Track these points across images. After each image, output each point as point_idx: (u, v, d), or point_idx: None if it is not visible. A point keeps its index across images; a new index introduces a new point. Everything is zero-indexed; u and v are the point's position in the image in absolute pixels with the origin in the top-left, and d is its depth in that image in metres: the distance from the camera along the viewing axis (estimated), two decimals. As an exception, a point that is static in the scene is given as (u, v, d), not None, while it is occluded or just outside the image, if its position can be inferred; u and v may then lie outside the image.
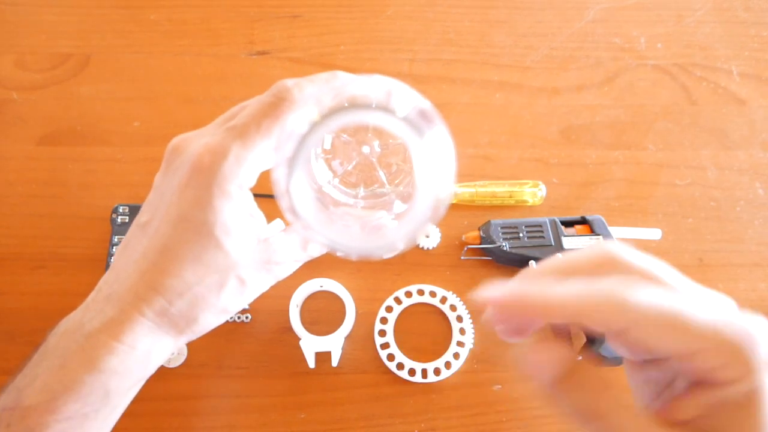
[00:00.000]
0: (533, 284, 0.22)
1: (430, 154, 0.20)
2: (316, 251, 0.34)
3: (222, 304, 0.31)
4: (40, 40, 0.55)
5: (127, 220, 0.47)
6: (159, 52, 0.55)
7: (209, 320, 0.31)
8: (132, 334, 0.28)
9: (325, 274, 0.46)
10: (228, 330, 0.45)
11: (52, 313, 0.45)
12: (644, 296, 0.19)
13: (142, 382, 0.31)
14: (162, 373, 0.44)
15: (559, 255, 0.23)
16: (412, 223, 0.21)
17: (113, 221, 0.47)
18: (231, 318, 0.45)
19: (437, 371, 0.44)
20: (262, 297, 0.46)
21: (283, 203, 0.22)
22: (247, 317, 0.45)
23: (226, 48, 0.55)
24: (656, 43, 0.57)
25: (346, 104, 0.21)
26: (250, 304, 0.46)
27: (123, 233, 0.47)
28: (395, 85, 0.22)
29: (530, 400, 0.43)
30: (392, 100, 0.21)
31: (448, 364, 0.44)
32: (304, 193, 0.20)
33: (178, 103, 0.53)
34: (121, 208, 0.48)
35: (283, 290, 0.46)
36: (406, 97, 0.22)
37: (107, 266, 0.46)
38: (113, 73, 0.54)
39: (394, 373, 0.44)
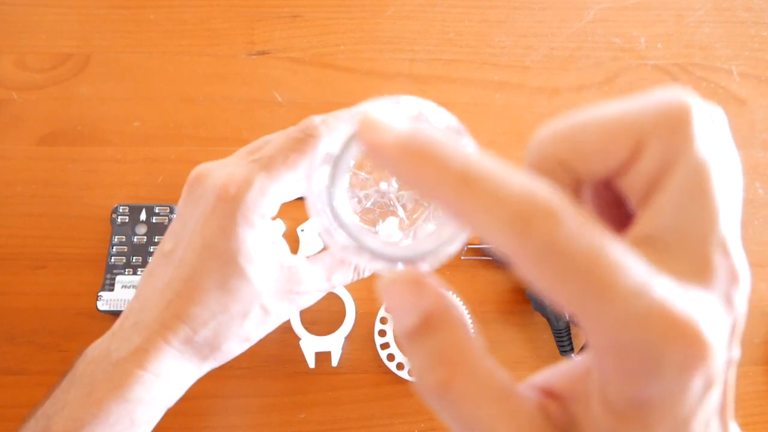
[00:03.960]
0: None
1: None
2: (340, 280, 0.34)
3: (245, 332, 0.31)
4: (40, 40, 0.55)
5: (127, 220, 0.47)
6: (159, 52, 0.55)
7: (232, 348, 0.32)
8: (157, 363, 0.29)
9: (325, 274, 0.46)
10: (228, 330, 0.45)
11: (52, 313, 0.46)
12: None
13: (165, 410, 0.32)
14: (162, 373, 0.44)
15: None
16: (455, 228, 0.21)
17: (113, 221, 0.47)
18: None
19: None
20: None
21: (322, 219, 0.22)
22: (247, 317, 0.45)
23: (226, 48, 0.55)
24: (656, 43, 0.57)
25: None
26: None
27: (123, 233, 0.47)
28: (426, 105, 0.23)
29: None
30: (425, 120, 0.22)
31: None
32: (346, 206, 0.20)
33: (178, 103, 0.53)
34: (121, 208, 0.48)
35: (283, 290, 0.46)
36: (438, 116, 0.23)
37: (107, 266, 0.46)
38: (113, 73, 0.54)
39: (394, 373, 0.44)
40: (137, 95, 0.53)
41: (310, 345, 0.43)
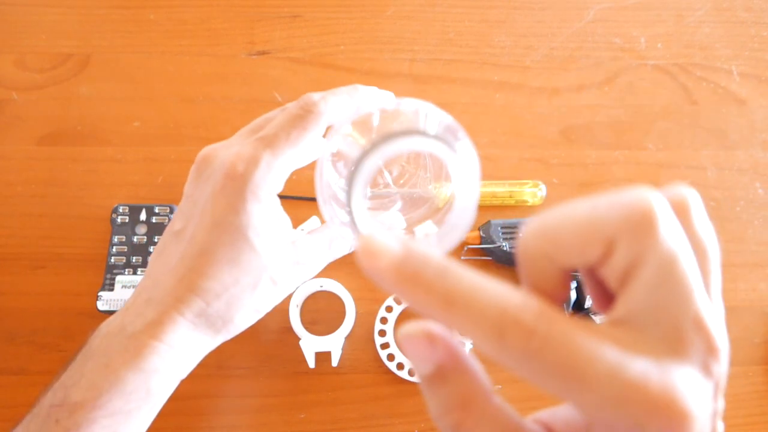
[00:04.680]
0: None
1: (464, 167, 0.22)
2: (340, 251, 0.36)
3: (255, 304, 0.32)
4: (40, 40, 0.55)
5: (127, 220, 0.47)
6: (159, 52, 0.55)
7: (244, 320, 0.33)
8: (172, 334, 0.30)
9: (325, 274, 0.46)
10: (228, 330, 0.45)
11: (52, 313, 0.46)
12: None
13: (179, 381, 0.32)
14: (162, 373, 0.44)
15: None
16: (457, 229, 0.23)
17: (113, 221, 0.47)
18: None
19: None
20: (262, 297, 0.46)
21: (335, 221, 0.24)
22: (247, 317, 0.45)
23: (226, 48, 0.55)
24: (656, 43, 0.57)
25: (395, 129, 0.23)
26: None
27: (123, 233, 0.47)
28: (423, 105, 0.24)
29: (530, 400, 0.43)
30: (424, 121, 0.23)
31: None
32: (365, 213, 0.21)
33: (178, 103, 0.53)
34: (121, 208, 0.48)
35: (283, 290, 0.46)
36: (435, 116, 0.24)
37: (107, 266, 0.46)
38: (113, 73, 0.54)
39: (394, 373, 0.44)
40: (137, 95, 0.53)
41: (310, 345, 0.43)
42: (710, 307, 0.17)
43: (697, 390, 0.15)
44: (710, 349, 0.16)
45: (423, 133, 0.21)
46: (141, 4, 0.56)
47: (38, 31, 0.55)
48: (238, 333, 0.33)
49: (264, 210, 0.31)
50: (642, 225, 0.16)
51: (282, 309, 0.45)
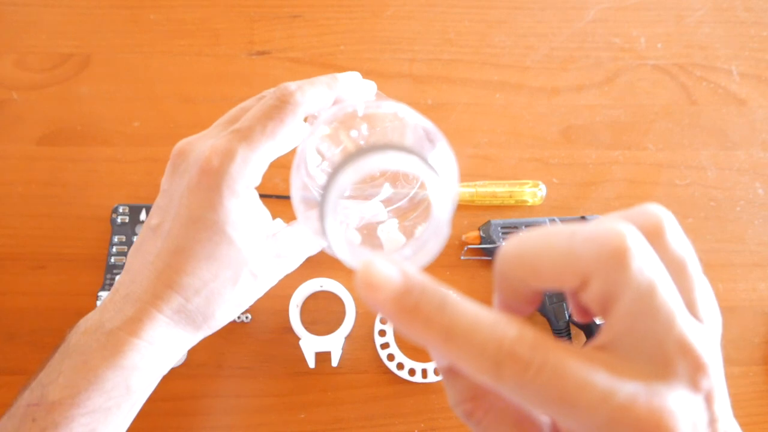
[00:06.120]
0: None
1: (441, 175, 0.21)
2: (320, 243, 0.35)
3: (236, 298, 0.32)
4: (40, 40, 0.55)
5: (127, 220, 0.47)
6: (159, 52, 0.55)
7: (224, 315, 0.32)
8: (151, 331, 0.30)
9: (325, 274, 0.46)
10: (228, 330, 0.45)
11: (52, 313, 0.46)
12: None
13: (160, 378, 0.32)
14: (162, 373, 0.44)
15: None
16: (431, 242, 0.23)
17: (113, 221, 0.47)
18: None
19: (437, 371, 0.44)
20: (262, 297, 0.46)
21: (309, 226, 0.24)
22: (247, 317, 0.45)
23: (226, 48, 0.55)
24: (656, 43, 0.57)
25: (372, 142, 0.22)
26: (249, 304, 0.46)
27: (123, 233, 0.47)
28: (400, 108, 0.24)
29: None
30: (401, 130, 0.23)
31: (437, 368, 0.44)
32: (338, 234, 0.21)
33: (178, 103, 0.53)
34: (121, 208, 0.48)
35: (283, 290, 0.46)
36: (412, 119, 0.23)
37: (107, 266, 0.46)
38: (113, 73, 0.54)
39: (394, 373, 0.44)
40: (137, 95, 0.53)
41: (310, 345, 0.43)
42: (694, 327, 0.17)
43: (685, 407, 0.16)
44: (697, 367, 0.17)
45: (398, 148, 0.21)
46: (141, 4, 0.56)
47: (38, 31, 0.55)
48: (220, 328, 0.33)
49: (241, 204, 0.30)
50: (615, 261, 0.17)
51: (282, 309, 0.45)
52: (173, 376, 0.44)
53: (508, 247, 0.19)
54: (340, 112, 0.25)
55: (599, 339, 0.18)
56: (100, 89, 0.53)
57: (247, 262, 0.31)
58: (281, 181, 0.49)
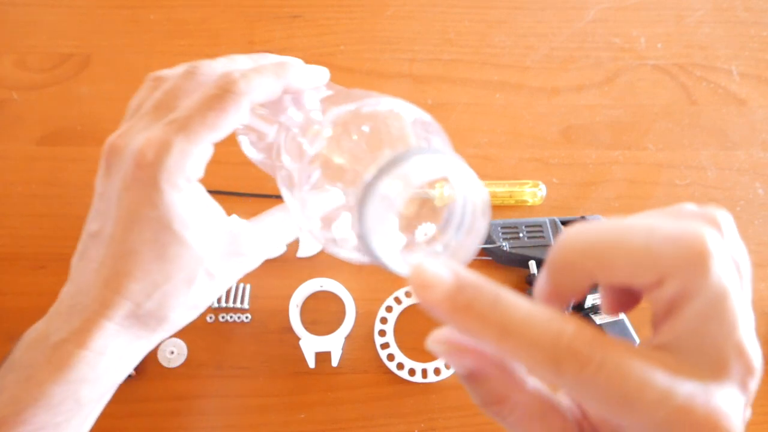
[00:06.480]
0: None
1: (465, 170, 0.21)
2: (285, 239, 0.33)
3: (192, 300, 0.30)
4: (40, 40, 0.55)
5: (127, 220, 0.47)
6: (159, 52, 0.55)
7: (180, 317, 0.30)
8: (101, 340, 0.28)
9: (325, 274, 0.46)
10: (228, 330, 0.45)
11: (52, 313, 0.46)
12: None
13: (115, 386, 0.31)
14: (162, 373, 0.44)
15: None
16: (472, 235, 0.23)
17: (113, 221, 0.47)
18: (231, 318, 0.45)
19: (437, 371, 0.44)
20: (262, 297, 0.46)
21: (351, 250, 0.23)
22: (247, 317, 0.45)
23: (226, 48, 0.55)
24: (656, 43, 0.57)
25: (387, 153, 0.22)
26: (250, 304, 0.46)
27: (123, 233, 0.47)
28: (397, 103, 0.23)
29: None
30: (406, 126, 0.23)
31: (448, 364, 0.44)
32: (390, 249, 0.21)
33: (178, 103, 0.53)
34: (121, 208, 0.48)
35: (283, 290, 0.46)
36: (410, 112, 0.23)
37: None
38: (113, 73, 0.54)
39: (394, 373, 0.44)
40: (137, 95, 0.53)
41: (310, 345, 0.43)
42: (750, 331, 0.18)
43: (737, 408, 0.17)
44: (748, 369, 0.17)
45: (431, 150, 0.20)
46: (141, 4, 0.56)
47: (38, 31, 0.55)
48: (177, 331, 0.31)
49: (186, 198, 0.28)
50: (696, 264, 0.17)
51: (282, 309, 0.45)
52: (173, 376, 0.44)
53: (575, 236, 0.19)
54: (335, 113, 0.25)
55: (658, 339, 0.18)
56: (100, 89, 0.53)
57: (202, 261, 0.29)
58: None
